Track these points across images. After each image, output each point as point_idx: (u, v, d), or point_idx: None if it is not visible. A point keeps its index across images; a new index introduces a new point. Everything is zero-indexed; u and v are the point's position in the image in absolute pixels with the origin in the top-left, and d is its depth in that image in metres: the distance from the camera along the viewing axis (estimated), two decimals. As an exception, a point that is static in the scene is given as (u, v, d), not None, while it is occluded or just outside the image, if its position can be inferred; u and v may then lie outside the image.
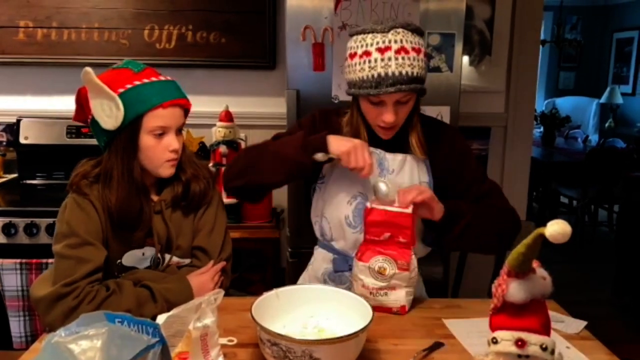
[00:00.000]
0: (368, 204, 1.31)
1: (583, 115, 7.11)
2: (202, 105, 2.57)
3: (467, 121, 2.46)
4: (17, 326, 2.07)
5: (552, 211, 5.01)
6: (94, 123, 1.24)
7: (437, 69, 2.10)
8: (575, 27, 7.47)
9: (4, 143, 2.64)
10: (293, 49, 2.02)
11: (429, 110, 2.05)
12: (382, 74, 1.22)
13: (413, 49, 1.24)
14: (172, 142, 1.26)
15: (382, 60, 1.22)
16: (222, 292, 1.03)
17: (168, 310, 1.01)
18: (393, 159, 1.39)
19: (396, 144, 1.39)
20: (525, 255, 0.78)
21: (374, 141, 1.39)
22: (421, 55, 1.26)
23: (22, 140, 2.47)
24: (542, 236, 0.75)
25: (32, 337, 2.06)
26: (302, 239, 2.11)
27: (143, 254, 1.32)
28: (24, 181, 2.50)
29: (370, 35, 1.25)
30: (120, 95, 1.19)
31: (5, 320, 2.08)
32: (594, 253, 4.46)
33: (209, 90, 2.62)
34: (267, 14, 2.54)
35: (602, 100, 6.94)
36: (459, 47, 2.07)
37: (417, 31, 1.28)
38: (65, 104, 2.56)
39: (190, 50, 2.57)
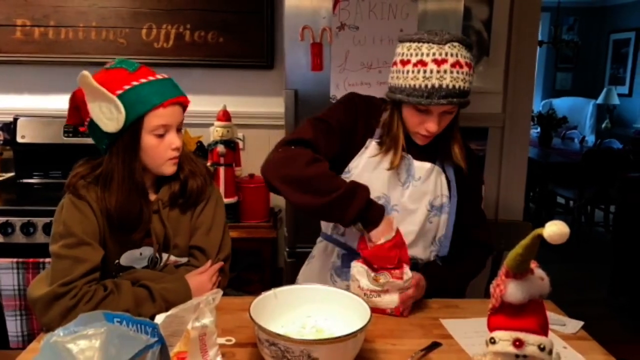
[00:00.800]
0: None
1: (580, 116, 7.13)
2: (200, 104, 2.57)
3: (464, 121, 2.43)
4: (13, 325, 2.07)
5: (548, 212, 5.03)
6: (93, 126, 1.24)
7: (435, 70, 2.10)
8: (572, 28, 7.49)
9: (1, 142, 2.62)
10: (291, 49, 2.02)
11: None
12: (437, 85, 1.24)
13: (466, 63, 1.27)
14: (174, 140, 1.27)
15: (438, 72, 1.24)
16: (221, 292, 1.03)
17: (166, 310, 1.01)
18: (420, 167, 1.40)
19: (426, 152, 1.40)
20: (523, 256, 0.78)
21: (407, 145, 1.40)
22: (471, 70, 1.29)
23: (19, 139, 2.46)
24: (540, 237, 0.76)
25: (29, 336, 2.06)
26: (299, 238, 2.11)
27: (140, 254, 1.31)
28: (21, 180, 2.50)
29: (426, 45, 1.26)
30: (119, 97, 1.18)
31: (2, 320, 2.08)
32: (591, 253, 4.47)
33: (207, 89, 2.62)
34: (265, 14, 2.54)
35: (599, 101, 6.96)
36: (457, 48, 2.07)
37: (470, 46, 1.30)
38: (63, 103, 2.51)
39: (188, 50, 2.56)
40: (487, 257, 1.55)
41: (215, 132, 2.30)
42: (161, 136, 1.25)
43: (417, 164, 1.40)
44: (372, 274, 1.30)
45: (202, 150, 2.48)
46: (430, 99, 1.25)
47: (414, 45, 1.28)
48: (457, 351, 1.16)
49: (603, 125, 6.89)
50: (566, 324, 1.29)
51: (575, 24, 7.51)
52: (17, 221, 2.11)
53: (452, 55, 1.25)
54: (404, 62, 1.29)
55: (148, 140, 1.24)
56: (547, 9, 6.55)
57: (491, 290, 0.85)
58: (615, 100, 6.84)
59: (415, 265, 1.42)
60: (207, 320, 0.99)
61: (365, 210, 1.25)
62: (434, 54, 1.25)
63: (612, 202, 4.62)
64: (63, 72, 2.55)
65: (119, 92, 1.19)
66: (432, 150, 1.41)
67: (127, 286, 1.22)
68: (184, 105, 1.30)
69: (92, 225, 1.24)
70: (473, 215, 1.48)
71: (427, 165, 1.40)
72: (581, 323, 1.30)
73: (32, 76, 2.60)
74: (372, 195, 1.36)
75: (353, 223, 1.27)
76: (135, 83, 1.21)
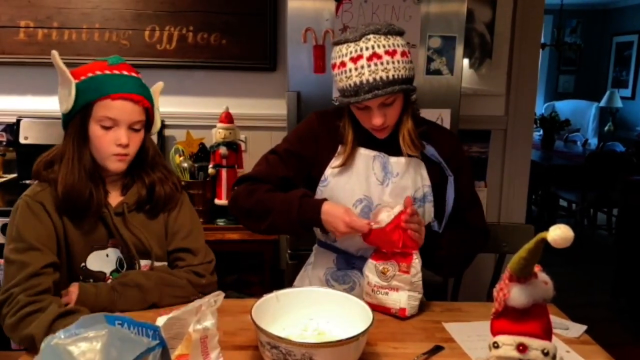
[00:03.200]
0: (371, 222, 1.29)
1: (582, 118, 7.12)
2: (203, 106, 2.57)
3: (467, 124, 2.46)
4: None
5: (551, 214, 5.02)
6: None
7: (438, 72, 2.10)
8: (575, 31, 7.48)
9: (4, 143, 2.63)
10: (294, 51, 2.02)
11: (430, 113, 2.05)
12: (358, 82, 1.26)
13: (386, 52, 1.26)
14: (120, 136, 1.25)
15: (356, 69, 1.26)
16: (222, 295, 1.03)
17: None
18: (397, 162, 1.39)
19: (398, 147, 1.39)
20: (527, 260, 0.78)
21: (378, 144, 1.40)
22: (397, 57, 1.27)
23: (21, 140, 2.46)
24: (543, 241, 0.75)
25: (31, 337, 2.05)
26: (301, 241, 2.11)
27: (107, 256, 1.31)
28: (24, 181, 2.49)
29: (345, 46, 1.28)
30: (80, 82, 1.22)
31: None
32: (593, 256, 4.46)
33: (210, 91, 2.62)
34: (268, 16, 2.54)
35: (602, 103, 6.95)
36: (459, 50, 2.07)
37: (391, 32, 1.29)
38: (65, 104, 2.56)
39: (191, 52, 2.56)
40: (485, 239, 1.51)
41: (217, 134, 2.30)
42: (107, 129, 1.25)
43: (393, 160, 1.40)
44: (381, 266, 1.30)
45: (205, 152, 2.48)
46: (357, 97, 1.26)
47: (337, 47, 1.31)
48: (460, 355, 1.15)
49: (606, 128, 6.87)
50: (569, 328, 1.28)
51: (578, 27, 7.50)
52: (20, 222, 2.10)
53: (366, 49, 1.25)
54: (333, 66, 1.32)
55: (94, 129, 1.25)
56: (550, 11, 6.55)
57: (494, 294, 0.85)
58: (618, 103, 6.82)
59: None
60: (209, 322, 0.99)
61: (301, 211, 1.31)
62: (350, 53, 1.26)
63: (614, 205, 4.60)
64: (66, 73, 2.55)
65: (83, 78, 1.23)
66: None
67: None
68: (143, 106, 1.28)
69: (46, 230, 1.23)
70: (463, 198, 1.45)
71: (403, 159, 1.39)
72: (584, 327, 1.29)
73: (35, 77, 2.61)
74: (354, 199, 1.39)
75: (305, 227, 1.33)
76: (99, 72, 1.24)
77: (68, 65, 2.49)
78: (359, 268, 1.43)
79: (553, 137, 5.38)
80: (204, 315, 0.99)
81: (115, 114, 1.23)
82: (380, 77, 1.25)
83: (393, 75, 1.26)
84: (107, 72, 1.24)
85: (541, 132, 5.44)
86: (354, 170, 1.40)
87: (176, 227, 1.37)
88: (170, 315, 0.96)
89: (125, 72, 1.27)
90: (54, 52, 1.23)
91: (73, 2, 2.50)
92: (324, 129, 1.44)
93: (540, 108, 7.20)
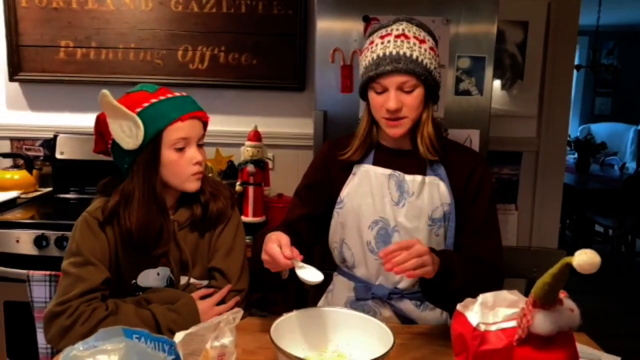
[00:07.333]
0: (474, 323, 0.85)
1: (620, 141, 6.92)
2: (232, 124, 2.61)
3: (497, 145, 2.42)
4: (43, 337, 2.10)
5: (586, 240, 4.86)
6: (115, 147, 1.26)
7: (467, 92, 2.08)
8: (611, 53, 7.33)
9: (41, 157, 2.72)
10: (322, 71, 2.04)
11: (458, 133, 2.03)
12: (381, 54, 1.26)
13: (415, 37, 1.27)
14: (194, 154, 1.27)
15: (382, 43, 1.27)
16: (241, 312, 1.03)
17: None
18: (412, 181, 1.35)
19: (414, 165, 1.36)
20: (552, 285, 0.75)
21: (392, 164, 1.37)
22: (425, 46, 1.28)
23: (58, 155, 2.54)
24: (569, 266, 0.73)
25: (58, 349, 2.09)
26: (325, 259, 2.09)
27: (158, 274, 1.31)
28: (58, 195, 2.57)
29: (377, 33, 1.32)
30: (139, 114, 1.20)
31: (33, 332, 2.12)
32: (631, 285, 4.29)
33: (239, 110, 2.65)
34: (297, 37, 2.57)
35: (640, 127, 6.76)
36: (489, 71, 2.05)
37: (422, 26, 1.31)
38: (100, 121, 2.63)
39: (222, 71, 2.61)
40: (498, 279, 1.33)
41: (245, 151, 2.32)
42: (181, 150, 1.25)
43: (408, 178, 1.35)
44: None
45: (233, 170, 2.50)
46: (377, 69, 1.26)
47: (369, 38, 1.33)
48: (484, 383, 1.11)
49: (644, 152, 6.67)
50: (601, 359, 1.23)
51: (615, 48, 7.35)
52: (52, 235, 2.16)
53: (397, 30, 1.28)
54: (361, 52, 1.34)
55: (168, 155, 1.24)
56: (585, 32, 6.43)
57: (517, 320, 0.82)
58: (658, 127, 6.62)
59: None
60: (227, 340, 0.98)
61: (254, 253, 1.28)
62: (380, 33, 1.30)
63: (654, 231, 4.43)
64: (102, 91, 2.62)
65: (138, 109, 1.22)
66: (422, 162, 1.36)
67: (127, 309, 1.21)
68: (203, 121, 1.31)
69: (101, 245, 1.24)
70: (473, 223, 1.35)
71: (419, 178, 1.34)
72: (618, 359, 1.23)
73: (73, 95, 2.70)
74: (370, 220, 1.36)
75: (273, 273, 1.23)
76: (154, 100, 1.24)
77: (106, 83, 2.60)
78: (378, 297, 1.38)
79: (588, 160, 5.24)
80: (222, 333, 0.98)
81: (187, 133, 1.25)
82: (404, 53, 1.25)
83: (417, 57, 1.25)
84: (162, 97, 1.25)
85: (576, 155, 5.31)
86: (369, 191, 1.36)
87: (218, 244, 1.35)
88: (189, 330, 0.96)
89: (177, 95, 1.28)
90: (105, 92, 1.21)
91: (111, 23, 2.59)
92: (335, 152, 1.42)
93: (575, 130, 7.04)
